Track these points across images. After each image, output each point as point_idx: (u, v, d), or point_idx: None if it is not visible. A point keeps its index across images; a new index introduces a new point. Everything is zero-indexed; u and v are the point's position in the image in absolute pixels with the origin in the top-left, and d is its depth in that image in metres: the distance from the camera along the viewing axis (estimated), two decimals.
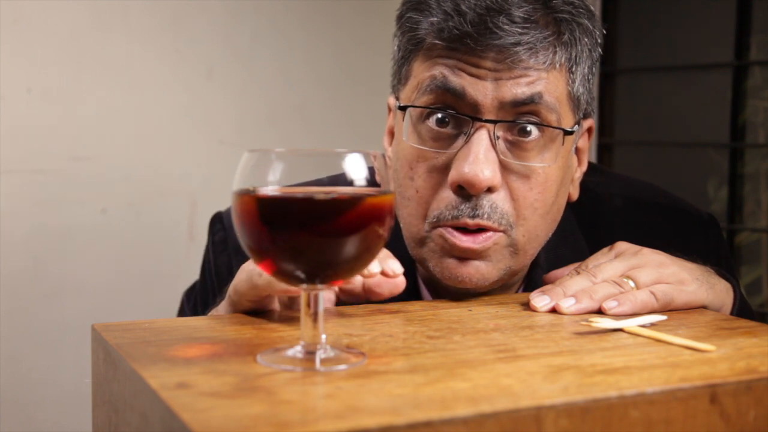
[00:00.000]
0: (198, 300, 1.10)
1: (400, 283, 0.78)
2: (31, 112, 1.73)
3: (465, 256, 0.87)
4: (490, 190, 0.85)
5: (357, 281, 0.77)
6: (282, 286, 0.74)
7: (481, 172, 0.84)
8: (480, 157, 0.84)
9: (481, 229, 0.86)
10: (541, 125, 0.87)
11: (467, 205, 0.85)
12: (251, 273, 0.77)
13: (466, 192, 0.85)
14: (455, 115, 0.87)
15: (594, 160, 2.18)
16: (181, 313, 1.14)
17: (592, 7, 0.91)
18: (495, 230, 0.86)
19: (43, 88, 1.73)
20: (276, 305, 0.81)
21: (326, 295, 0.82)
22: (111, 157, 1.80)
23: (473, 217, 0.85)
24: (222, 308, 0.84)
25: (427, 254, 0.89)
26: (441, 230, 0.87)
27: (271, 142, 1.93)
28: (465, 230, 0.86)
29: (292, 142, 1.97)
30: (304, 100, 1.99)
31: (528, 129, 0.86)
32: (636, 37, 2.18)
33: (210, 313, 0.89)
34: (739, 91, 1.98)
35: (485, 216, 0.85)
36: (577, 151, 0.96)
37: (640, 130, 2.19)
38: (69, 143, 1.76)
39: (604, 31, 0.94)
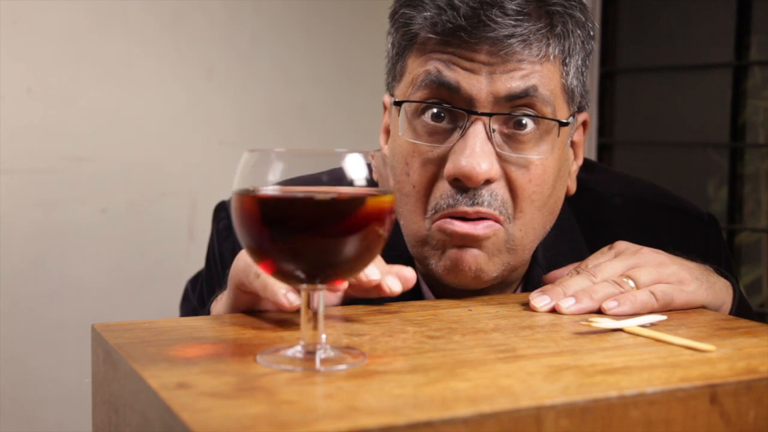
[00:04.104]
0: (204, 288, 1.10)
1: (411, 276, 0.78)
2: (31, 112, 1.73)
3: (464, 243, 0.87)
4: (488, 182, 0.85)
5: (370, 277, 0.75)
6: (273, 295, 0.73)
7: (478, 165, 0.84)
8: (477, 150, 0.84)
9: (481, 218, 0.86)
10: (536, 117, 0.87)
11: (464, 196, 0.85)
12: (248, 270, 0.77)
13: (462, 184, 0.85)
14: (450, 109, 0.87)
15: (594, 160, 2.18)
16: (185, 300, 1.14)
17: (585, 1, 0.92)
18: (495, 219, 0.86)
19: (43, 88, 1.73)
20: (270, 305, 0.81)
21: (330, 297, 0.81)
22: (111, 157, 1.80)
23: (472, 205, 0.85)
24: (224, 297, 0.84)
25: (428, 252, 0.89)
26: (440, 222, 0.87)
27: (271, 142, 1.93)
28: (464, 219, 0.86)
29: (292, 142, 1.96)
30: (304, 100, 1.99)
31: (524, 122, 0.86)
32: (636, 37, 2.18)
33: (213, 301, 0.89)
34: (739, 91, 1.98)
35: (485, 203, 0.85)
36: (573, 145, 0.96)
37: (640, 130, 2.18)
38: (69, 143, 1.76)
39: (597, 25, 0.94)
